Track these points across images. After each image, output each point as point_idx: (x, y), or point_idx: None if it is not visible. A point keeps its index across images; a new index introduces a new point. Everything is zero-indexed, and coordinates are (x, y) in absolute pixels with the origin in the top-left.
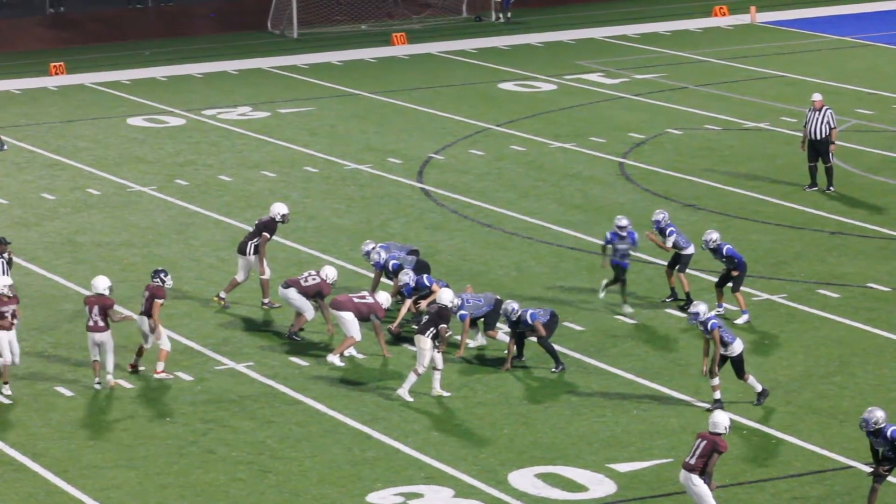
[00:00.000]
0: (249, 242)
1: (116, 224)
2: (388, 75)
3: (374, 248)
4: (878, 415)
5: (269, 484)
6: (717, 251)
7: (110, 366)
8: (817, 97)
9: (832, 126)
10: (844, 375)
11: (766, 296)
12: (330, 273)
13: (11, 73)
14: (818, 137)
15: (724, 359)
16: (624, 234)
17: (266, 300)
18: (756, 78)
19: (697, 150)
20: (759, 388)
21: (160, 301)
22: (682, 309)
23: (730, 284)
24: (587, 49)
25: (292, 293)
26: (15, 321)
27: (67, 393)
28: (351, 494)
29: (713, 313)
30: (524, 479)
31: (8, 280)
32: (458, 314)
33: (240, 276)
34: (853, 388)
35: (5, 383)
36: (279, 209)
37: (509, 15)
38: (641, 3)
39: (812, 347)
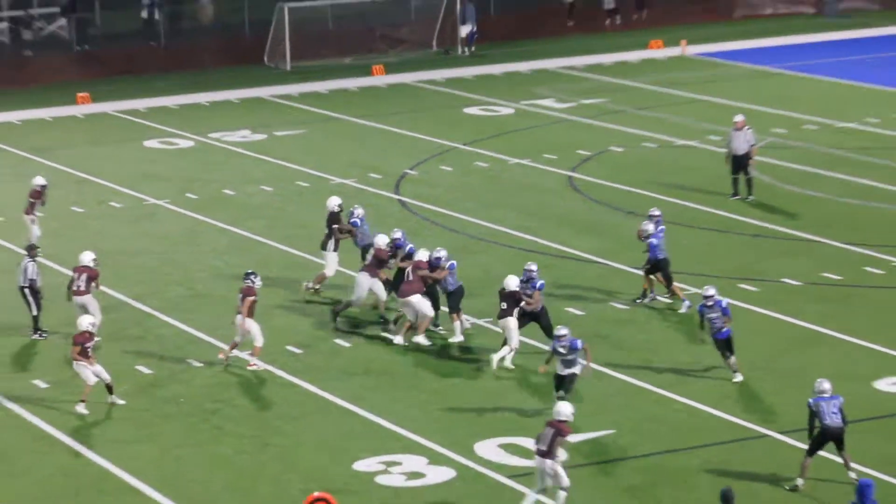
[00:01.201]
0: (328, 241)
1: (135, 232)
2: (368, 102)
3: (403, 235)
4: (826, 386)
5: (269, 455)
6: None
7: (96, 323)
8: (739, 118)
9: (752, 143)
10: (764, 358)
11: (696, 290)
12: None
13: (44, 102)
14: (740, 153)
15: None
16: (711, 303)
17: (310, 284)
18: (686, 102)
19: (636, 164)
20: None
21: (251, 298)
22: (634, 301)
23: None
24: (540, 78)
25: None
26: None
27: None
28: (340, 463)
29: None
30: (488, 448)
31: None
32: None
33: (328, 271)
34: (770, 369)
35: (82, 401)
36: (334, 202)
37: (473, 49)
38: (587, 38)
39: (736, 334)
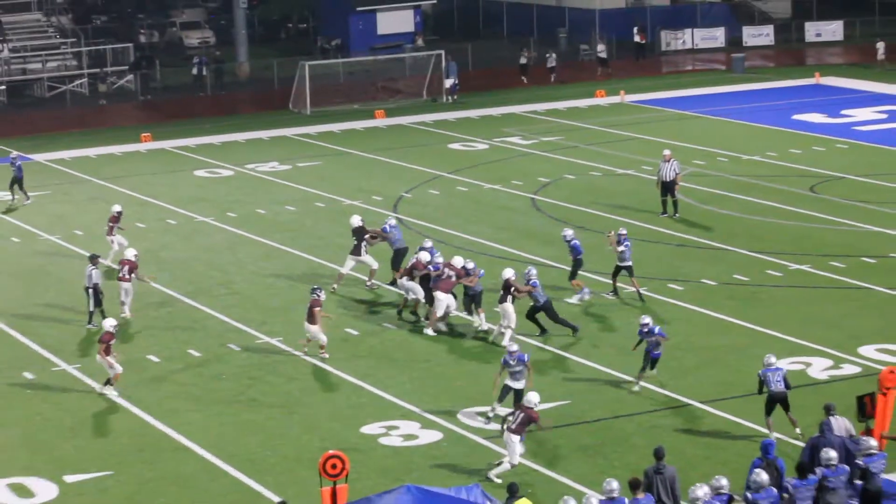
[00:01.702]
0: (360, 247)
1: (187, 244)
2: (372, 139)
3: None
4: (772, 360)
5: (294, 421)
6: (571, 246)
7: (129, 303)
8: (667, 152)
9: (677, 172)
10: (687, 343)
11: (632, 289)
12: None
13: (114, 141)
14: (667, 180)
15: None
16: (646, 329)
17: (370, 282)
18: (625, 139)
19: (585, 189)
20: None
21: (318, 309)
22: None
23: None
24: (509, 120)
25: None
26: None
27: (155, 359)
28: (350, 427)
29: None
30: (469, 416)
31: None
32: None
33: (345, 269)
34: (693, 351)
35: (109, 383)
36: (357, 219)
37: (455, 97)
38: (545, 89)
39: (665, 324)
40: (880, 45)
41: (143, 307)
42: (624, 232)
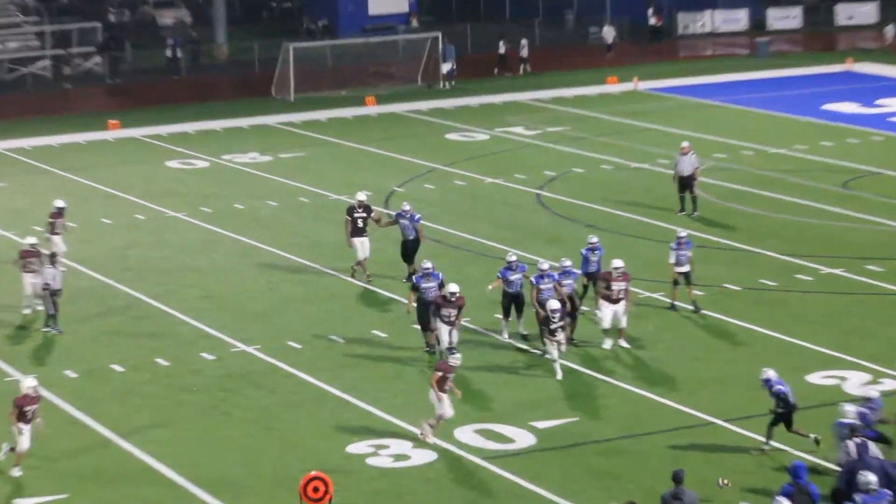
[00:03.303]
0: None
1: (157, 241)
2: (362, 129)
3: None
4: (771, 373)
5: (272, 438)
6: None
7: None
8: (685, 144)
9: (696, 166)
10: (707, 352)
11: (647, 294)
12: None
13: (80, 128)
14: (685, 174)
15: None
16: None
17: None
18: (638, 130)
19: (595, 184)
20: None
21: (439, 374)
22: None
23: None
24: (512, 108)
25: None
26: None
27: (119, 369)
28: (335, 446)
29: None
30: (465, 433)
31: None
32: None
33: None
34: (715, 363)
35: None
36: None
37: (453, 83)
38: (552, 74)
39: (683, 332)
40: (890, 29)
41: (106, 311)
42: (595, 240)
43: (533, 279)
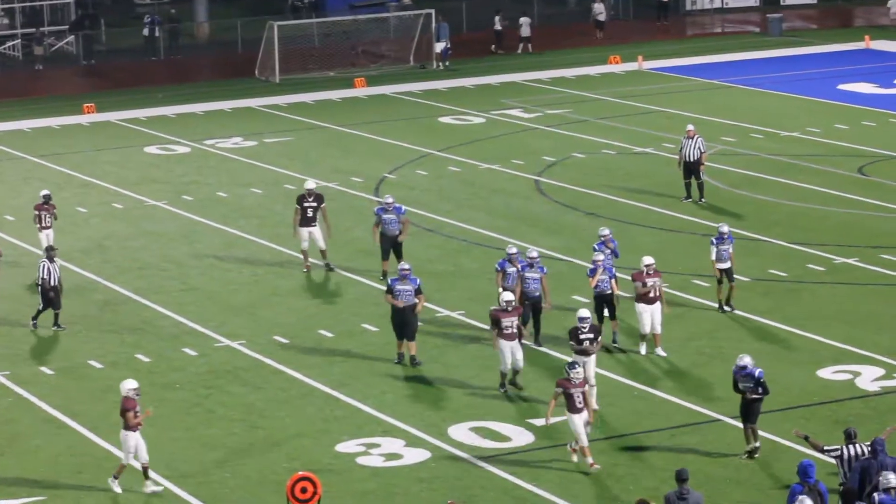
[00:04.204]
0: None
1: (136, 231)
2: (351, 111)
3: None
4: (747, 360)
5: (257, 437)
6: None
7: None
8: (690, 127)
9: (702, 150)
10: (714, 347)
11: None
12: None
13: (52, 112)
14: (691, 159)
15: None
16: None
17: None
18: (642, 113)
19: (597, 170)
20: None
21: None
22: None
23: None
24: (509, 90)
25: None
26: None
27: (98, 365)
28: (323, 445)
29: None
30: (461, 431)
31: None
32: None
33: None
34: (721, 357)
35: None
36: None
37: (447, 63)
38: (551, 53)
39: (689, 326)
40: (894, 3)
41: (84, 305)
42: (607, 232)
43: (519, 265)
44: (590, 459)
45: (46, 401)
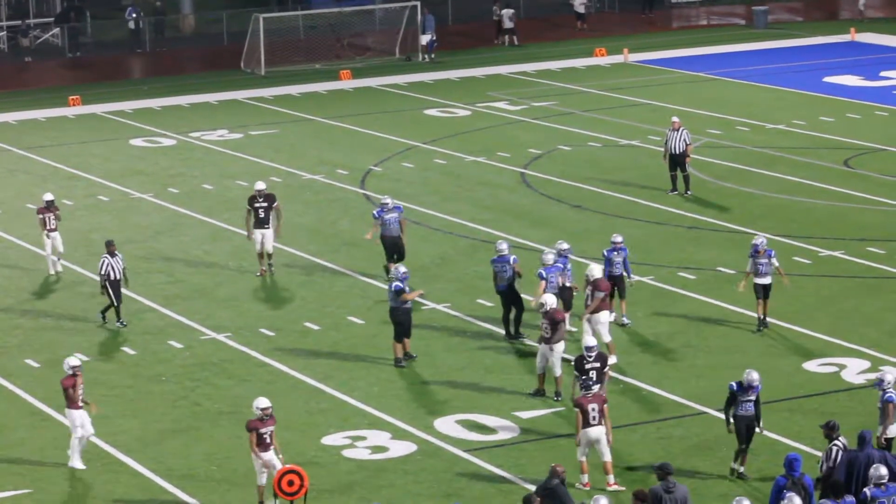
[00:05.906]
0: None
1: (122, 224)
2: (336, 104)
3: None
4: (755, 376)
5: (243, 430)
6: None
7: None
8: (676, 120)
9: (688, 143)
10: (699, 339)
11: (637, 278)
12: None
13: (38, 104)
14: (677, 152)
15: None
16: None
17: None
18: (628, 105)
19: (583, 162)
20: None
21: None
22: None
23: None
24: (495, 82)
25: None
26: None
27: (83, 358)
28: (309, 438)
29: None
30: (446, 424)
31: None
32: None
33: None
34: (706, 349)
35: None
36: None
37: (433, 56)
38: (537, 45)
39: (674, 318)
40: None
41: (70, 298)
42: (619, 239)
43: (542, 270)
44: (611, 478)
45: (32, 393)
